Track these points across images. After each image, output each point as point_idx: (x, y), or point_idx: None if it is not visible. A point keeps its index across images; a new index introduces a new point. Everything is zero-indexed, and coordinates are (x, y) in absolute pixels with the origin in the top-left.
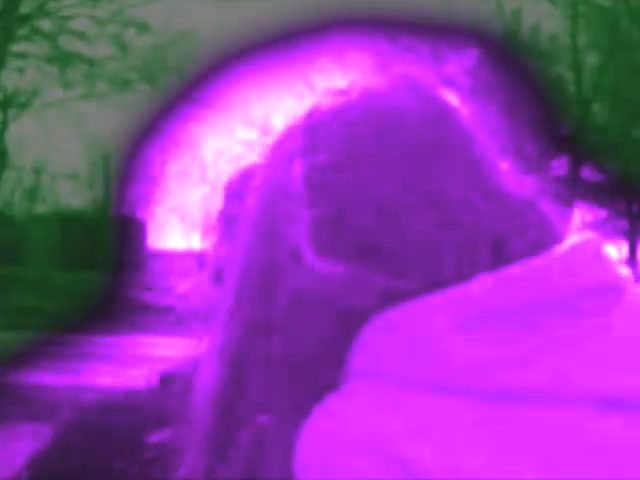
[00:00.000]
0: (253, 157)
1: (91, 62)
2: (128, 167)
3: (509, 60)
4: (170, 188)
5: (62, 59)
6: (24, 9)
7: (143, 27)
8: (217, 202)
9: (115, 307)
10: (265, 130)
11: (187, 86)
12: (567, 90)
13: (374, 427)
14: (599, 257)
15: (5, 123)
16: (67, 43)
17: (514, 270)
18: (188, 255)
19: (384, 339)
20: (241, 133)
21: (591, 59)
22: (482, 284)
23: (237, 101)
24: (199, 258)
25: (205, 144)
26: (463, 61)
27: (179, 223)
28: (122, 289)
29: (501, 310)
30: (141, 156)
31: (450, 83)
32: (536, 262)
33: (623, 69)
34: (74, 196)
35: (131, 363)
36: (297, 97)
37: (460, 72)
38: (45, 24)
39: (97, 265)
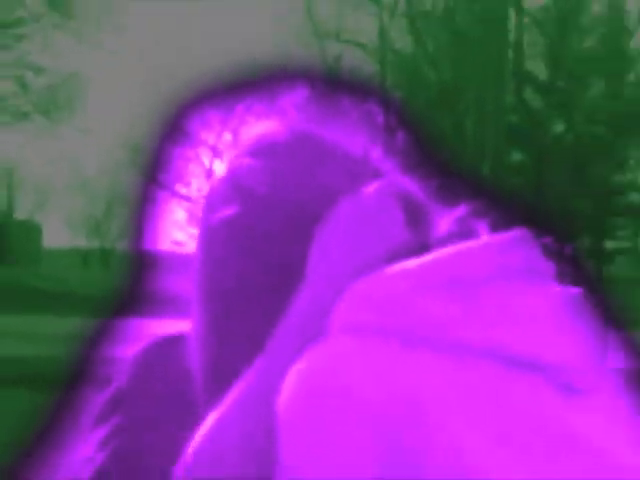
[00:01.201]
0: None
1: None
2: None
3: (332, 96)
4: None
5: None
6: None
7: (39, 70)
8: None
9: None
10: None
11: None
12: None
13: (347, 376)
14: (531, 245)
15: None
16: None
17: (472, 246)
18: (74, 252)
19: (362, 298)
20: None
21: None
22: (446, 256)
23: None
24: (84, 256)
25: (88, 160)
26: (294, 97)
27: (64, 223)
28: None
29: (459, 278)
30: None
31: (283, 115)
32: (492, 241)
33: (421, 105)
34: None
35: None
36: None
37: (292, 106)
38: None
39: None
